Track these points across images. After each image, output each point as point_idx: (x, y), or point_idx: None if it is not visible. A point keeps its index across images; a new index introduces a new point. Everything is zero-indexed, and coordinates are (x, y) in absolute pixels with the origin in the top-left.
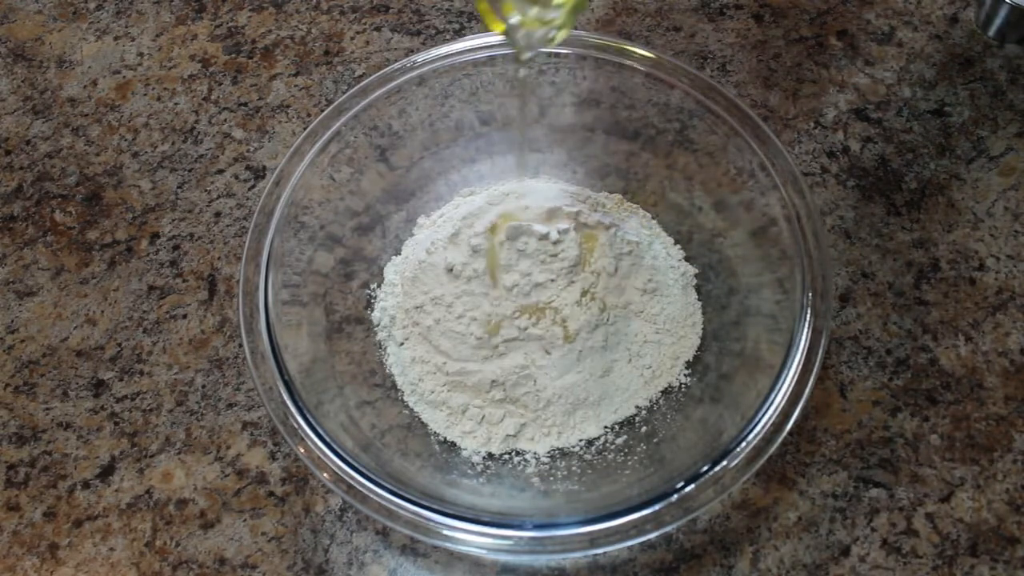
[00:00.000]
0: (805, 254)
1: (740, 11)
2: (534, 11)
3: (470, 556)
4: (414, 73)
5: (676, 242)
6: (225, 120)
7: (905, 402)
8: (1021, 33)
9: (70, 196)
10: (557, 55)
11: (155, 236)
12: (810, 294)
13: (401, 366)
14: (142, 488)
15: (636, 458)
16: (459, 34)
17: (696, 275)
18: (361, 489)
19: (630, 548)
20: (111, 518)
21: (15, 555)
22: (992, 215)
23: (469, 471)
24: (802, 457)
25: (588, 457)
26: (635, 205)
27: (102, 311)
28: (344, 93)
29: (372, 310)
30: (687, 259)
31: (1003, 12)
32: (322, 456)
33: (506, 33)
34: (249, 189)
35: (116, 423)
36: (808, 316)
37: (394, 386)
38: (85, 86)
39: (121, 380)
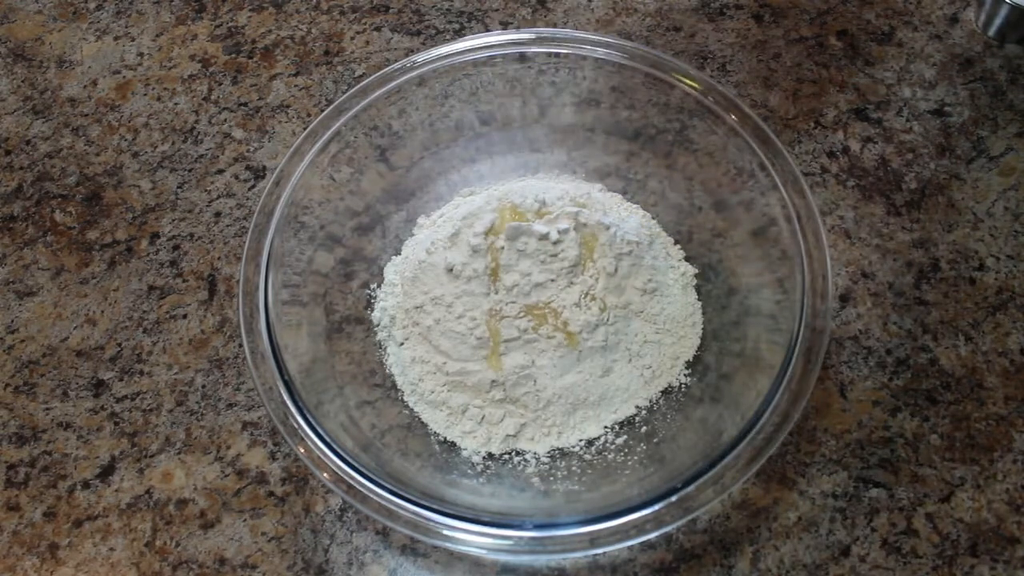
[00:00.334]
0: (805, 254)
1: (740, 11)
2: None
3: (470, 556)
4: (414, 73)
5: (676, 242)
6: (225, 120)
7: (905, 402)
8: (1021, 33)
9: (70, 196)
10: (557, 55)
11: (155, 236)
12: (810, 294)
13: (401, 366)
14: (142, 488)
15: (636, 458)
16: (459, 34)
17: (696, 275)
18: (361, 489)
19: (630, 548)
20: (111, 518)
21: (15, 555)
22: (992, 215)
23: (469, 471)
24: (802, 457)
25: (588, 457)
26: (635, 205)
27: (102, 311)
28: (344, 93)
29: (372, 310)
30: (687, 259)
31: (1003, 12)
32: (322, 456)
33: None
34: (249, 189)
35: (116, 423)
36: (808, 316)
37: (394, 386)
38: (85, 86)
39: (121, 380)
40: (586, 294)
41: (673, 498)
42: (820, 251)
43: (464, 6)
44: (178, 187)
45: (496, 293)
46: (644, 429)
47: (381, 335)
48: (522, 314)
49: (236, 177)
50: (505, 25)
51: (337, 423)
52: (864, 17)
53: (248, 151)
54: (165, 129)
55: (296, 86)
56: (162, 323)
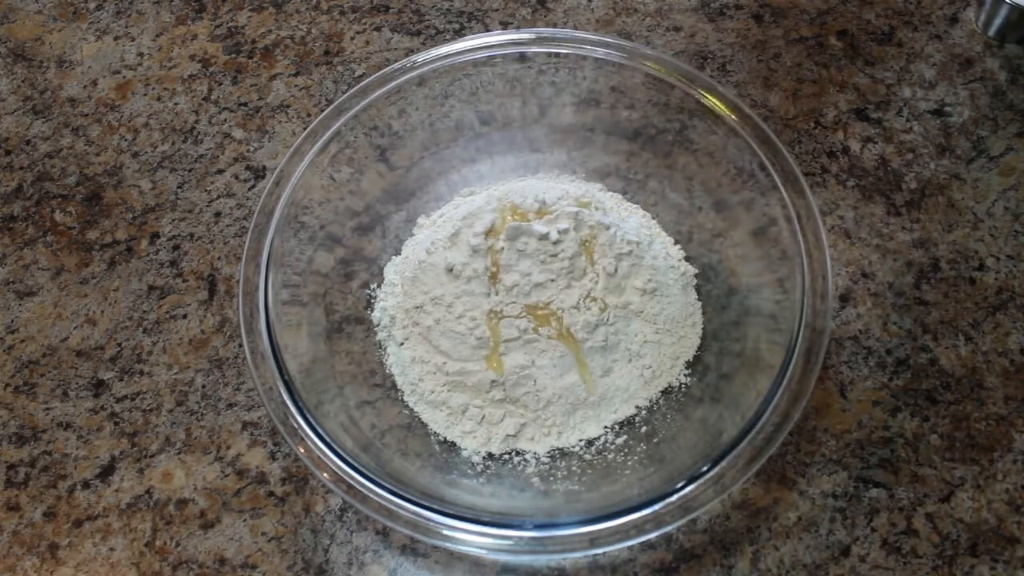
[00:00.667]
0: (805, 254)
1: (740, 11)
2: None
3: (470, 556)
4: (414, 73)
5: (676, 242)
6: (225, 120)
7: (905, 402)
8: (1021, 33)
9: (70, 196)
10: (557, 55)
11: (155, 236)
12: (810, 294)
13: (401, 366)
14: (142, 488)
15: (636, 458)
16: (459, 34)
17: (696, 275)
18: (361, 489)
19: (630, 548)
20: (111, 518)
21: (15, 555)
22: (992, 215)
23: (469, 471)
24: (802, 457)
25: (588, 457)
26: (635, 205)
27: (102, 311)
28: (344, 93)
29: (372, 310)
30: (687, 259)
31: (1003, 12)
32: (322, 456)
33: None
34: (249, 189)
35: (116, 423)
36: (808, 316)
37: (394, 386)
38: (85, 86)
39: (121, 380)
40: (586, 294)
41: (673, 498)
42: (820, 251)
43: (464, 6)
44: (178, 187)
45: (496, 293)
46: (644, 429)
47: (381, 335)
48: (522, 314)
49: (236, 177)
50: (505, 25)
51: (337, 423)
52: (864, 17)
53: (248, 151)
54: (165, 129)
55: (296, 86)
56: (162, 323)
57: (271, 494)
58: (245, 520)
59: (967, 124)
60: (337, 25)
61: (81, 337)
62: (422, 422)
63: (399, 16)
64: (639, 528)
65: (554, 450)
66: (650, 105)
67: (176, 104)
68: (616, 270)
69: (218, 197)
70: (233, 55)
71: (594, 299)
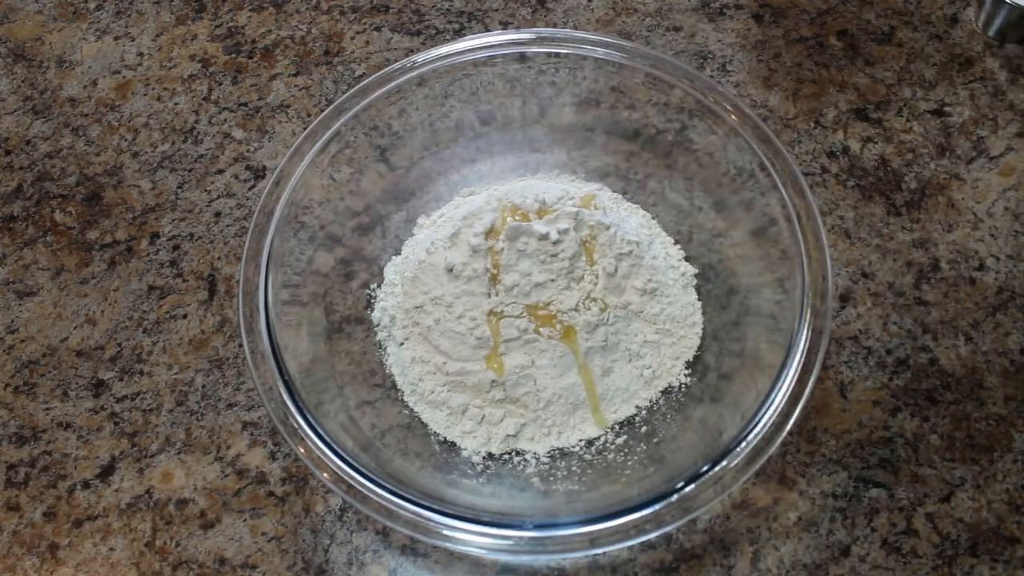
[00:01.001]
0: (805, 254)
1: (740, 11)
2: None
3: (470, 556)
4: (414, 73)
5: (676, 242)
6: (225, 120)
7: (905, 402)
8: (1021, 33)
9: (70, 196)
10: (557, 55)
11: (155, 236)
12: (810, 294)
13: (401, 366)
14: (142, 488)
15: (636, 458)
16: (459, 34)
17: (696, 275)
18: (361, 489)
19: (630, 548)
20: (111, 518)
21: (15, 555)
22: (992, 215)
23: (469, 471)
24: (802, 457)
25: (588, 457)
26: (635, 205)
27: (102, 311)
28: (344, 93)
29: (372, 310)
30: (687, 259)
31: (1003, 12)
32: (322, 456)
33: None
34: (249, 189)
35: (116, 423)
36: (808, 316)
37: (394, 386)
38: (85, 86)
39: (121, 380)
40: (586, 295)
41: (673, 498)
42: (820, 251)
43: (464, 6)
44: (178, 187)
45: (496, 293)
46: (644, 429)
47: (381, 335)
48: (522, 314)
49: (236, 177)
50: (505, 25)
51: (337, 423)
52: (864, 17)
53: (248, 151)
54: (165, 129)
55: (296, 86)
56: (162, 323)
57: (271, 494)
58: (245, 520)
59: (967, 124)
60: (337, 25)
61: (81, 337)
62: (422, 422)
63: (399, 16)
64: (639, 528)
65: (554, 450)
66: (650, 105)
67: (176, 104)
68: (616, 270)
69: (218, 197)
70: (233, 55)
71: (594, 299)
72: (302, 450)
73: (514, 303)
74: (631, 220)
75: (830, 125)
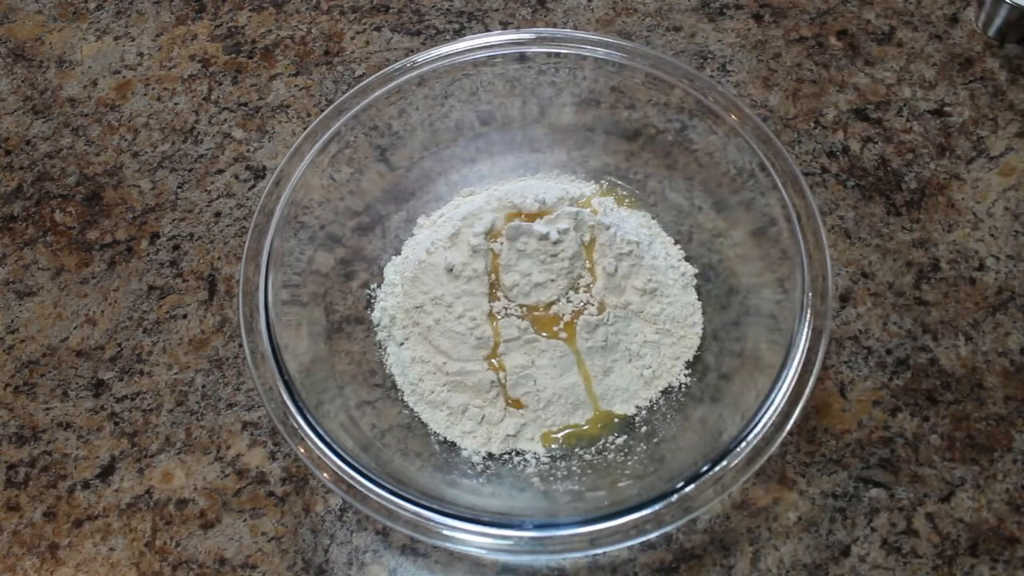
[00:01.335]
0: (805, 254)
1: (740, 11)
2: None
3: (470, 556)
4: (414, 73)
5: (676, 242)
6: (225, 120)
7: (905, 402)
8: (1021, 33)
9: (70, 196)
10: (557, 55)
11: (155, 236)
12: (810, 294)
13: (401, 366)
14: (142, 488)
15: (636, 458)
16: (459, 34)
17: (696, 275)
18: (361, 489)
19: (630, 548)
20: (111, 518)
21: (15, 555)
22: (992, 215)
23: (469, 471)
24: (802, 457)
25: (588, 457)
26: (635, 205)
27: (102, 311)
28: (344, 93)
29: (372, 310)
30: (687, 259)
31: (1003, 12)
32: (322, 456)
33: None
34: (249, 189)
35: (116, 423)
36: (808, 316)
37: (394, 386)
38: (85, 86)
39: (121, 380)
40: (586, 294)
41: (673, 498)
42: (820, 251)
43: (464, 6)
44: (178, 187)
45: (496, 293)
46: (644, 429)
47: (381, 335)
48: (522, 314)
49: (236, 177)
50: (505, 25)
51: (337, 423)
52: (864, 17)
53: (248, 151)
54: (165, 129)
55: (296, 86)
56: (162, 323)
57: (271, 494)
58: (245, 520)
59: (967, 124)
60: (337, 25)
61: (81, 337)
62: (422, 422)
63: (399, 16)
64: (639, 528)
65: (554, 450)
66: (650, 105)
67: (176, 104)
68: (616, 270)
69: (218, 197)
70: (233, 55)
71: (594, 299)
72: (302, 450)
73: (514, 303)
74: (631, 220)
75: (830, 125)
